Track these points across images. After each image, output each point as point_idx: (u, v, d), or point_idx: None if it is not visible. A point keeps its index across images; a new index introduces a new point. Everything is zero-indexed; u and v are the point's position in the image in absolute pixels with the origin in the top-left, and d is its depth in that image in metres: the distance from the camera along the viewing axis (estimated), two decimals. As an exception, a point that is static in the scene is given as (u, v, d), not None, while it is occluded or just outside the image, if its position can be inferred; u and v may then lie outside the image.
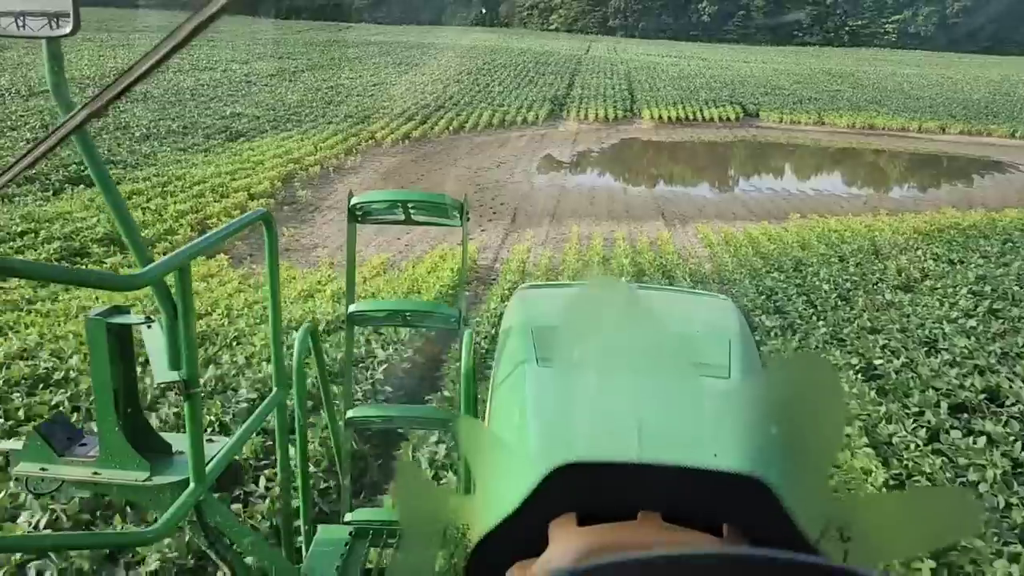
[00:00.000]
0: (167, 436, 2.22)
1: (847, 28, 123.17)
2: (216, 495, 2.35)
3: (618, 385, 0.72)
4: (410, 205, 2.98)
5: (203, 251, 2.09)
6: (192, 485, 2.01)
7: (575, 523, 0.50)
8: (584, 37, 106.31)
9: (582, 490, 0.49)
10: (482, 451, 0.82)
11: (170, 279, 1.90)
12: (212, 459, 2.13)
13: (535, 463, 0.49)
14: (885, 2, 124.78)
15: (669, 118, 40.89)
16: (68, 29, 1.42)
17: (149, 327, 2.14)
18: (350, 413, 3.07)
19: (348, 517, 3.21)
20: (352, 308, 3.07)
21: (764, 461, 0.60)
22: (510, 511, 0.49)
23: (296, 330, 2.85)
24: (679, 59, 71.87)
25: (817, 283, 12.29)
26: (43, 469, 2.04)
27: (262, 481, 5.30)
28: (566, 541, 0.49)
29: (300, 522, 3.06)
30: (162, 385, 2.00)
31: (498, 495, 0.64)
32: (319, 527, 3.14)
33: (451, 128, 32.72)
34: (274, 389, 2.65)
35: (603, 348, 0.71)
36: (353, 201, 2.96)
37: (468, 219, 3.08)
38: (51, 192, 16.48)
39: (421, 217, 3.08)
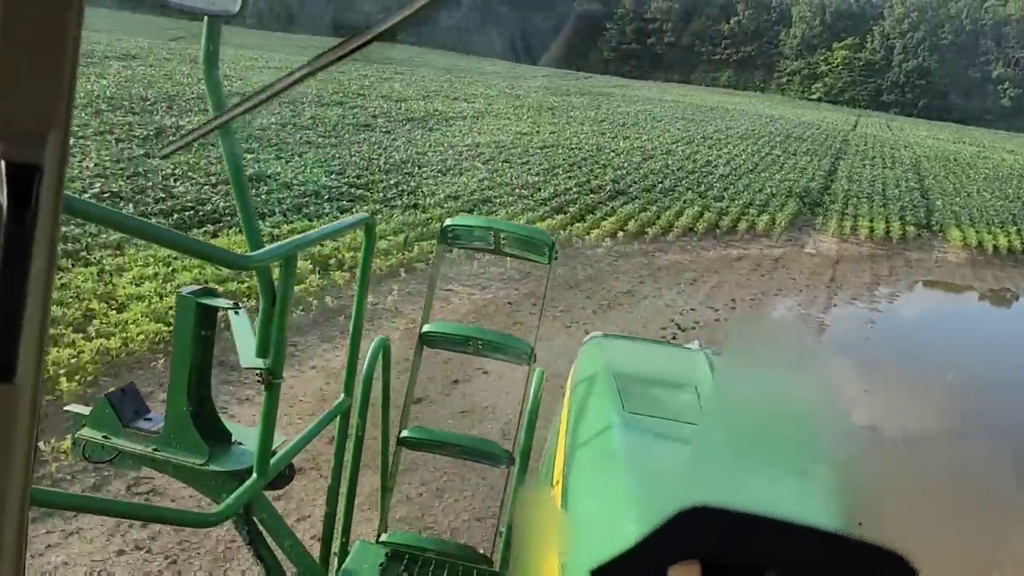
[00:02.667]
0: (229, 425, 2.25)
1: None
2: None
3: (736, 444, 0.69)
4: (502, 235, 3.11)
5: (308, 245, 2.10)
6: (255, 476, 2.02)
7: (699, 572, 0.47)
8: (850, 110, 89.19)
9: (709, 538, 0.46)
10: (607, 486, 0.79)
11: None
12: (275, 455, 2.12)
13: (652, 504, 0.53)
14: None
15: (994, 247, 25.20)
16: (235, 8, 1.37)
17: (236, 313, 2.18)
18: (404, 432, 3.10)
19: (384, 537, 3.17)
20: (426, 328, 3.09)
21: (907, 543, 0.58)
22: (628, 548, 0.47)
23: None
24: (981, 149, 53.80)
25: None
26: (105, 437, 2.07)
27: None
28: None
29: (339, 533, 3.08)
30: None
31: (614, 531, 0.66)
32: (357, 542, 3.11)
33: (614, 235, 19.76)
34: (342, 395, 2.70)
35: (719, 410, 0.71)
36: (446, 223, 3.10)
37: (556, 258, 3.15)
38: None
39: (510, 249, 3.24)
